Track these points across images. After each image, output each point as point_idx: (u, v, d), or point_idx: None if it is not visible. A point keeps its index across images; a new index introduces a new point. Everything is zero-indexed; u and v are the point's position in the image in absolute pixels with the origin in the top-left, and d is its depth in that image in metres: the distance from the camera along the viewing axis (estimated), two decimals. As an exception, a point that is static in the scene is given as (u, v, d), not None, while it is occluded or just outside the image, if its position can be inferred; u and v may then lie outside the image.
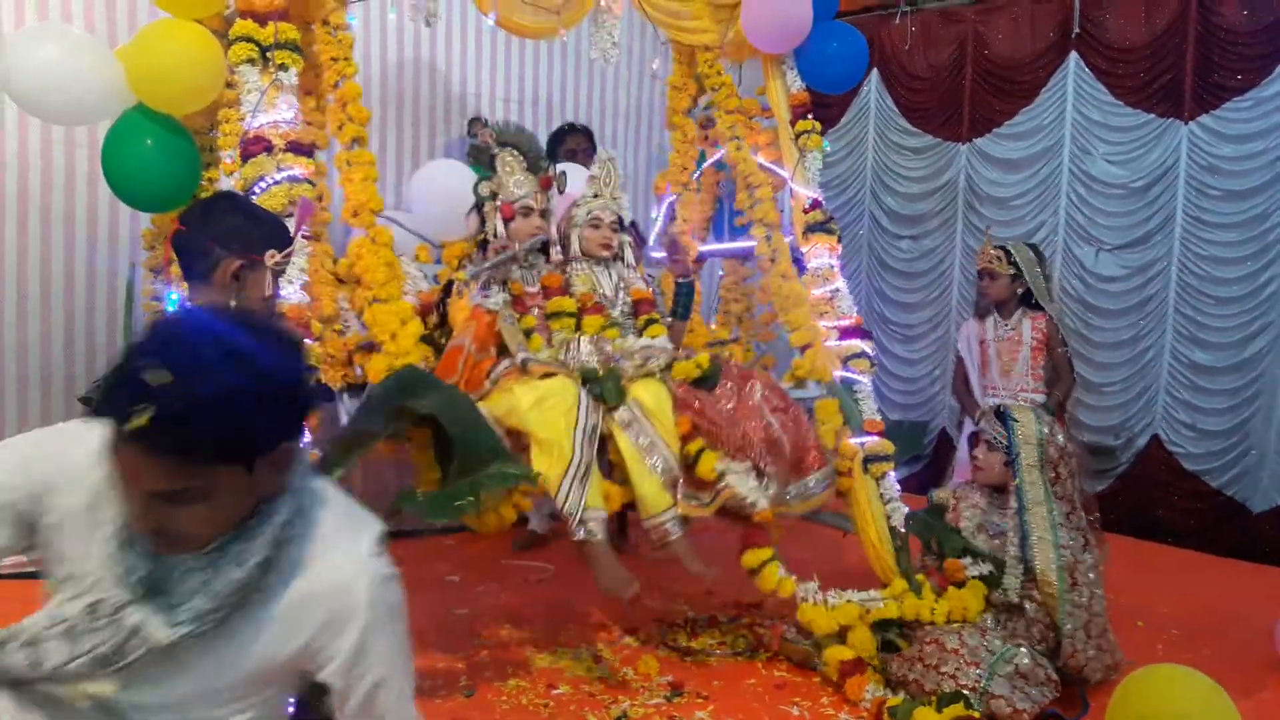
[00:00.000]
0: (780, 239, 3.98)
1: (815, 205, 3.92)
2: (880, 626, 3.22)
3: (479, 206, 3.63)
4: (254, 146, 2.81)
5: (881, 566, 3.53)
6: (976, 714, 2.82)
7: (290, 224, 2.57)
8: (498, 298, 3.43)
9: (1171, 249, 5.42)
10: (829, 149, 4.00)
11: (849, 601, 3.25)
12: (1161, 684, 2.49)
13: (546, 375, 3.16)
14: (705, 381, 3.32)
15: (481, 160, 3.71)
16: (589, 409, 3.10)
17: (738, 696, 3.15)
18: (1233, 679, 2.61)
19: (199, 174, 3.26)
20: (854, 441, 3.71)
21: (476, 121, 3.75)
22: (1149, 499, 5.43)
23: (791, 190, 3.97)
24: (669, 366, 3.35)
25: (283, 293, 2.66)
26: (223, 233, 2.09)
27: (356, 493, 4.38)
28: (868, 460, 3.68)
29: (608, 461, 3.19)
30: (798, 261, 4.01)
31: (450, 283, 3.47)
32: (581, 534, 3.04)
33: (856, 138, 6.76)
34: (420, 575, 4.35)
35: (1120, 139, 5.57)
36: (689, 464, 3.19)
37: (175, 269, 3.24)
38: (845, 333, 3.82)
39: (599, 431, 3.13)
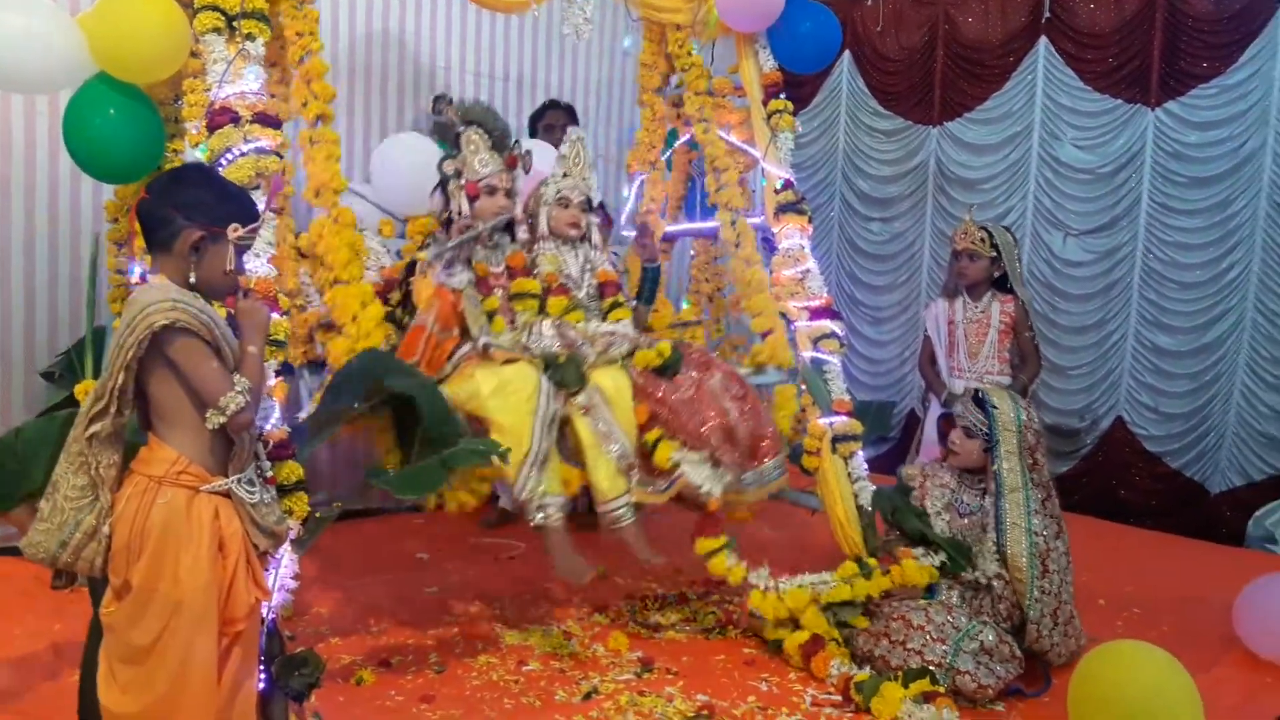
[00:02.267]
0: (745, 224, 4.01)
1: (787, 185, 3.92)
2: (835, 606, 3.23)
3: (443, 185, 3.60)
4: (220, 117, 2.75)
5: (848, 545, 3.56)
6: (941, 689, 2.85)
7: (258, 198, 2.54)
8: (461, 277, 3.42)
9: (1137, 234, 5.49)
10: (800, 130, 3.98)
11: (799, 586, 3.26)
12: (1122, 659, 2.53)
13: (508, 361, 3.17)
14: (666, 370, 3.35)
15: (446, 138, 3.66)
16: (549, 396, 3.13)
17: (707, 672, 3.17)
18: (1191, 655, 2.66)
19: (163, 144, 3.19)
20: (823, 421, 3.73)
21: (441, 99, 3.72)
22: (1112, 480, 5.52)
23: (763, 170, 3.96)
24: (631, 354, 3.37)
25: (249, 267, 2.62)
26: (185, 203, 2.05)
27: (325, 469, 4.42)
28: (836, 440, 3.70)
29: (565, 446, 3.21)
30: (768, 242, 4.01)
31: (414, 261, 3.45)
32: (539, 518, 3.07)
33: (828, 119, 6.77)
34: (390, 553, 4.35)
35: (1088, 124, 5.62)
36: (646, 452, 3.22)
37: (139, 242, 3.19)
38: (815, 313, 3.83)
39: (558, 418, 3.16)
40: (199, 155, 2.91)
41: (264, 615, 2.35)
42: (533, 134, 4.99)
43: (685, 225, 4.66)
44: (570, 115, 4.97)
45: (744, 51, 4.08)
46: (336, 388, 2.73)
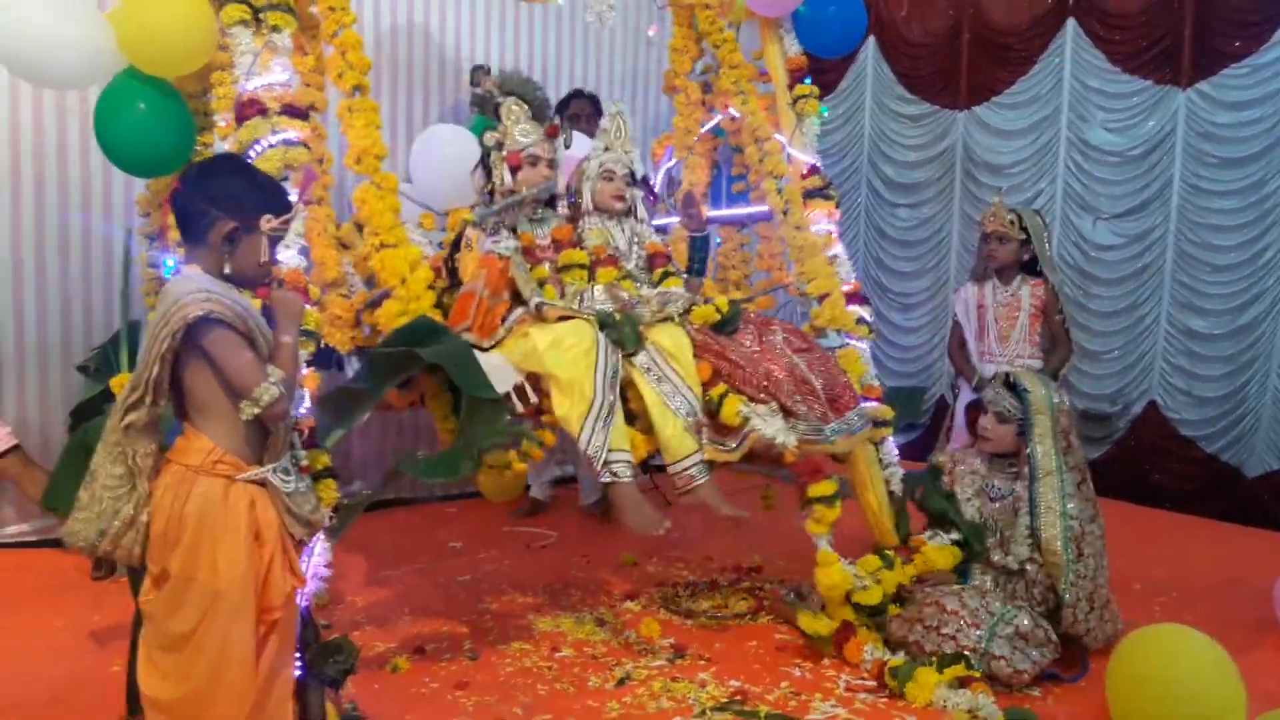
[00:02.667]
0: (792, 190, 3.91)
1: (813, 171, 3.89)
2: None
3: (484, 158, 3.54)
4: (248, 110, 2.77)
5: (881, 532, 3.54)
6: (977, 674, 2.83)
7: (290, 189, 2.55)
8: (508, 243, 3.35)
9: (1169, 217, 5.41)
10: (826, 114, 3.95)
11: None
12: (1162, 643, 2.51)
13: (563, 319, 3.12)
14: (724, 325, 3.26)
15: (486, 109, 3.61)
16: (608, 351, 3.05)
17: (740, 658, 3.17)
18: (1229, 639, 2.63)
19: (193, 138, 3.21)
20: (854, 408, 3.70)
21: (479, 70, 3.67)
22: (1146, 465, 5.46)
23: (789, 155, 3.93)
24: (688, 311, 3.28)
25: (280, 257, 2.64)
26: (218, 194, 2.06)
27: (354, 457, 4.42)
28: (867, 425, 3.67)
29: (629, 411, 3.13)
30: (796, 227, 3.98)
31: (458, 238, 3.42)
32: (607, 476, 2.97)
33: (854, 105, 6.73)
34: (423, 542, 4.38)
35: (1118, 106, 5.54)
36: (712, 410, 3.12)
37: (173, 235, 3.22)
38: (844, 299, 3.80)
39: (619, 374, 3.08)
40: (228, 148, 2.92)
41: (299, 603, 2.37)
42: None
43: (721, 211, 4.62)
44: (595, 105, 4.96)
45: (768, 36, 4.05)
46: (371, 364, 2.73)
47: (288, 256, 2.69)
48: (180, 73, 3.08)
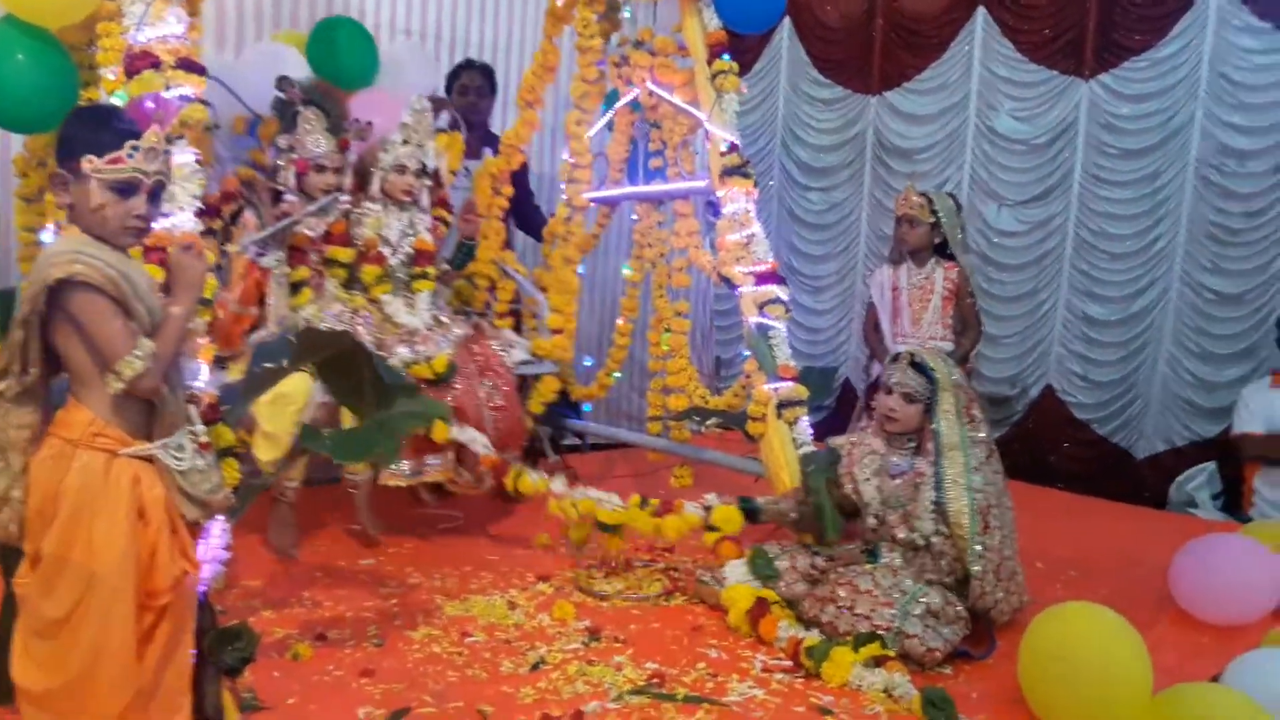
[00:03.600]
0: (578, 219, 4.49)
1: (732, 149, 3.85)
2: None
3: (276, 157, 3.84)
4: (140, 62, 2.59)
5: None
6: (892, 653, 2.84)
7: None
8: (271, 258, 3.65)
9: (1069, 205, 5.57)
10: (746, 91, 3.91)
11: (590, 498, 3.52)
12: (1073, 621, 2.55)
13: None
14: (439, 382, 3.72)
15: (285, 116, 3.83)
16: (314, 406, 3.41)
17: (655, 640, 3.12)
18: (1130, 616, 2.66)
19: (76, 92, 3.00)
20: (768, 387, 3.70)
21: (285, 79, 3.86)
22: (1042, 446, 5.62)
23: (707, 133, 3.89)
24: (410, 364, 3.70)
25: (170, 218, 2.47)
26: (58, 143, 1.92)
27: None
28: (781, 405, 3.68)
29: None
30: (713, 205, 3.95)
31: (248, 189, 3.71)
32: (278, 495, 3.63)
33: (768, 87, 6.73)
34: (324, 523, 4.21)
35: (1025, 95, 5.67)
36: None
37: (49, 198, 3.01)
38: (761, 278, 3.79)
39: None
40: (118, 103, 2.73)
41: (197, 588, 2.23)
42: (448, 93, 4.86)
43: (643, 187, 4.58)
44: (487, 76, 4.86)
45: (688, 9, 3.99)
46: (267, 350, 2.59)
47: (181, 220, 2.53)
48: (63, 22, 2.88)
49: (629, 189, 4.48)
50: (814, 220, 6.64)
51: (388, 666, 2.87)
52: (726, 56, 3.94)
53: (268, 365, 2.58)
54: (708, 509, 3.47)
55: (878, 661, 2.80)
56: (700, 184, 4.09)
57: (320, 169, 3.79)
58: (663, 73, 4.07)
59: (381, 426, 2.57)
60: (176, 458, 1.95)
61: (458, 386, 3.76)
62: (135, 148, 1.88)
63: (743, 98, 4.04)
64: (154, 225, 2.47)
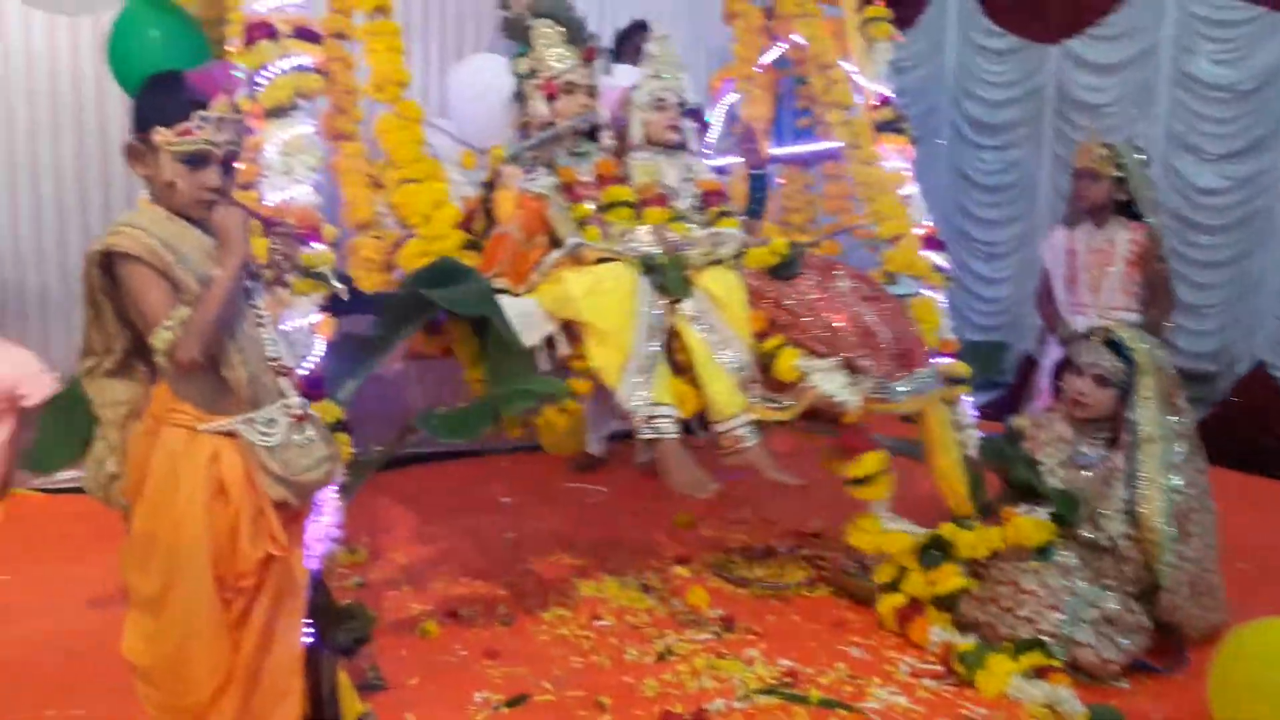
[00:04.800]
0: (862, 122, 3.58)
1: (885, 102, 3.54)
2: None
3: (517, 87, 3.28)
4: (256, 32, 2.54)
5: (954, 499, 3.24)
6: (1057, 662, 2.53)
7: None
8: (545, 180, 3.10)
9: (1280, 159, 4.93)
10: (902, 39, 3.58)
11: (904, 531, 2.95)
12: (1275, 639, 2.19)
13: (602, 261, 2.85)
14: (783, 270, 2.92)
15: (516, 35, 3.33)
16: (651, 297, 2.80)
17: (792, 634, 2.92)
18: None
19: (208, 66, 3.03)
20: (926, 363, 3.38)
21: None
22: (1250, 429, 5.02)
23: (858, 85, 3.59)
24: (741, 254, 2.98)
25: (289, 193, 2.43)
26: (132, 113, 1.87)
27: (369, 410, 4.13)
28: (941, 383, 3.35)
29: (676, 362, 2.86)
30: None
31: (492, 180, 3.16)
32: (649, 432, 2.72)
33: (936, 41, 6.30)
34: (474, 497, 4.22)
35: (1227, 36, 5.06)
36: (766, 364, 2.84)
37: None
38: (919, 243, 3.48)
39: (664, 322, 2.82)
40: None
41: (309, 567, 2.18)
42: (617, 58, 4.67)
43: (786, 148, 4.29)
44: None
45: (836, -47, 3.69)
46: (384, 310, 2.52)
47: (300, 192, 2.49)
48: (194, -1, 2.88)
49: (775, 150, 4.22)
50: (989, 181, 6.19)
51: (513, 648, 2.80)
52: (878, 1, 3.62)
53: (359, 335, 2.50)
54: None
55: (1040, 672, 2.50)
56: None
57: (570, 89, 3.19)
58: (810, 24, 3.78)
59: (491, 404, 2.46)
60: (264, 434, 1.88)
61: (810, 279, 2.93)
62: (205, 118, 1.82)
63: (900, 47, 3.71)
64: (269, 200, 2.48)
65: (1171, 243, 5.09)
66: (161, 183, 1.83)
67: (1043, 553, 2.89)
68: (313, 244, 2.46)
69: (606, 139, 3.33)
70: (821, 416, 2.89)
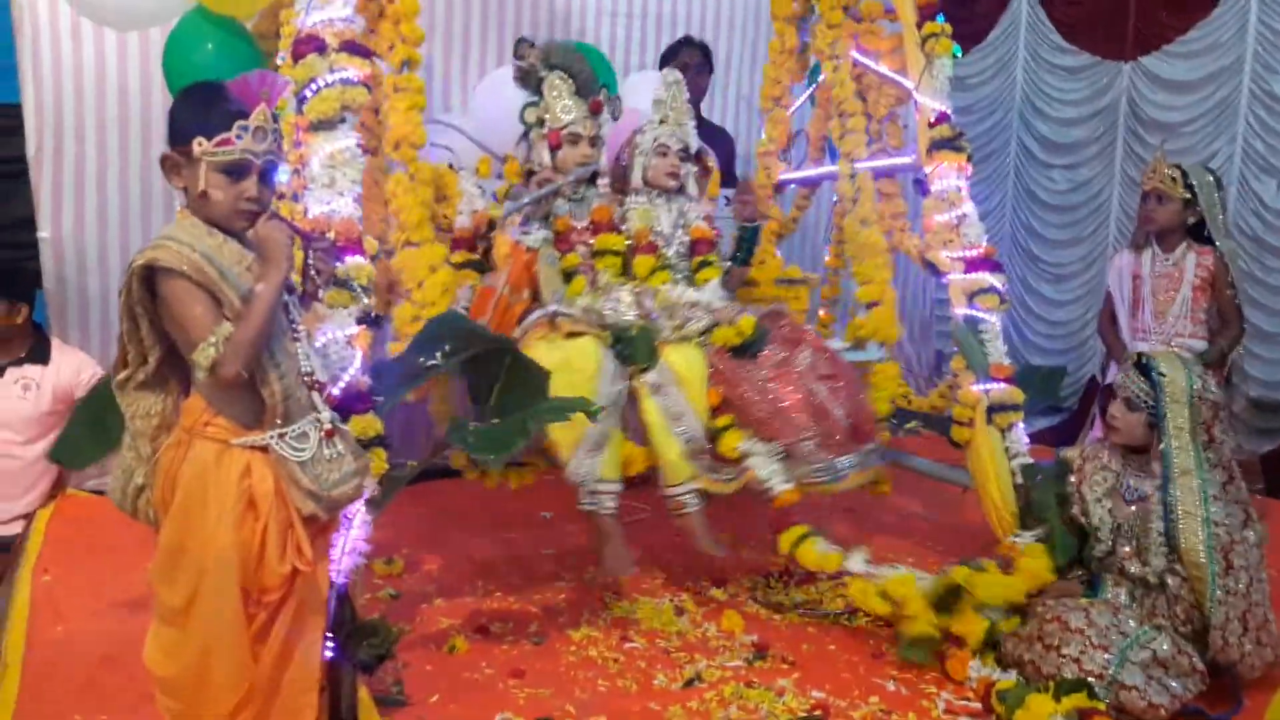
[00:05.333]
0: (866, 179, 3.71)
1: (942, 119, 3.44)
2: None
3: (525, 134, 3.46)
4: (305, 46, 2.56)
5: (1003, 528, 3.13)
6: (1102, 706, 2.41)
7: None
8: (537, 235, 3.30)
9: (1368, 180, 4.71)
10: (960, 55, 3.49)
11: (902, 574, 2.87)
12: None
13: (573, 335, 3.01)
14: (745, 349, 3.11)
15: (528, 84, 3.47)
16: (613, 377, 2.99)
17: (828, 664, 2.84)
18: None
19: (265, 81, 3.07)
20: (977, 388, 3.30)
21: (523, 43, 3.52)
22: (1327, 462, 4.80)
23: (916, 103, 3.51)
24: (709, 331, 3.14)
25: (330, 205, 2.44)
26: (169, 126, 1.88)
27: (401, 425, 4.16)
28: (992, 409, 3.26)
29: (635, 422, 3.06)
30: (920, 184, 3.57)
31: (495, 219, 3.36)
32: (589, 504, 2.98)
33: (1005, 57, 6.17)
34: (514, 510, 4.18)
35: (1313, 53, 4.85)
36: (714, 438, 3.06)
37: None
38: (972, 265, 3.37)
39: (622, 399, 3.02)
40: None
41: (332, 581, 2.18)
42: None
43: (798, 173, 4.28)
44: (705, 55, 4.63)
45: (897, -32, 3.61)
46: (421, 343, 2.52)
47: (340, 205, 2.50)
48: (249, 11, 2.94)
49: (828, 168, 4.15)
50: (1056, 201, 6.02)
51: (540, 668, 2.76)
52: (940, 18, 3.53)
53: (416, 360, 2.50)
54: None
55: (1083, 715, 2.38)
56: (906, 160, 3.70)
57: (574, 140, 3.38)
58: (868, 39, 3.72)
59: (525, 421, 2.44)
60: (296, 448, 1.88)
61: (773, 355, 3.11)
62: (244, 128, 1.82)
63: (968, 63, 3.67)
64: (312, 212, 2.49)
65: (1248, 268, 4.91)
66: (199, 194, 1.84)
67: (1092, 589, 2.78)
68: (353, 257, 2.47)
69: (603, 185, 3.49)
70: (755, 493, 3.07)
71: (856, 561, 2.98)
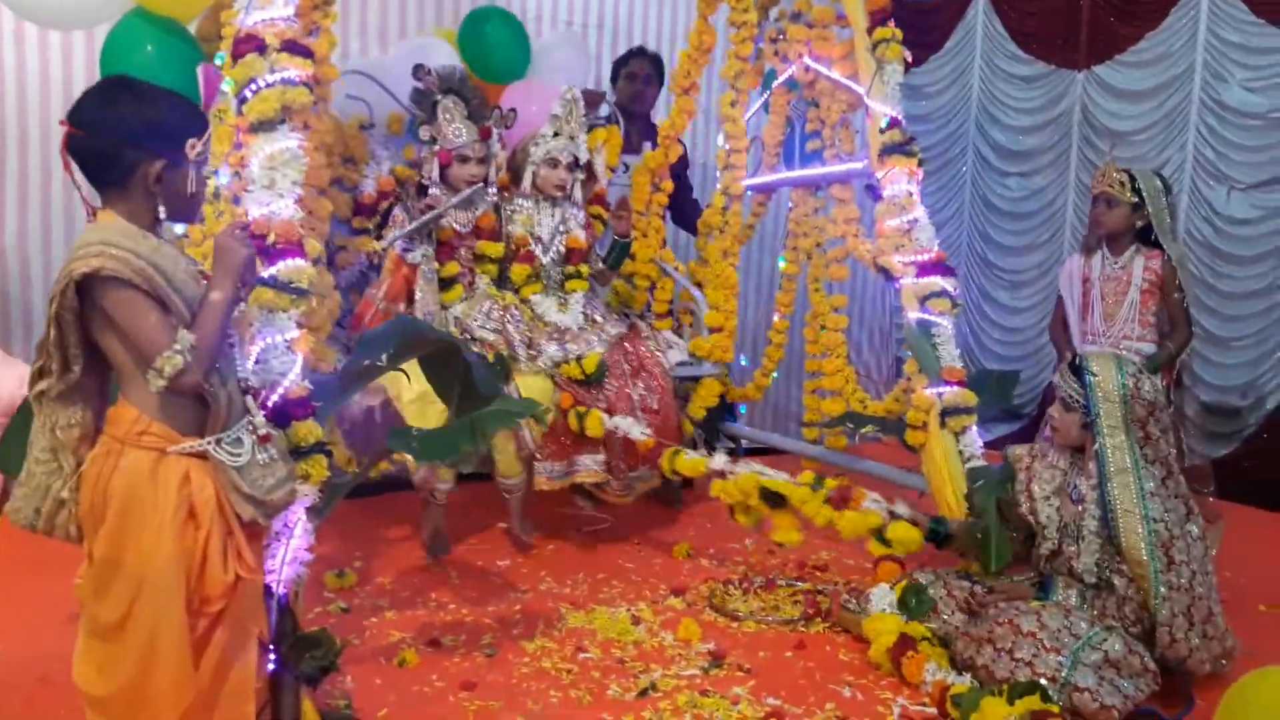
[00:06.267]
0: (735, 213, 4.31)
1: (894, 124, 3.46)
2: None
3: (419, 153, 3.80)
4: (245, 45, 2.51)
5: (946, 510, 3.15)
6: (1055, 708, 2.40)
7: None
8: (418, 252, 3.60)
9: (1315, 188, 4.77)
10: (909, 57, 3.49)
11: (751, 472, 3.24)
12: (1283, 687, 2.06)
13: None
14: (587, 382, 3.60)
15: (423, 106, 3.74)
16: None
17: (783, 671, 2.81)
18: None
19: (208, 84, 3.01)
20: (930, 392, 3.30)
21: (421, 68, 3.73)
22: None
23: (867, 108, 3.51)
24: (559, 366, 3.62)
25: (270, 208, 2.39)
26: (132, 130, 1.78)
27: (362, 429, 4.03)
28: (945, 413, 3.27)
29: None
30: (872, 189, 3.57)
31: (398, 197, 3.74)
32: (427, 496, 3.57)
33: (961, 66, 6.21)
34: (471, 521, 4.13)
35: (1260, 62, 4.92)
36: (567, 429, 3.57)
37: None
38: (924, 269, 3.39)
39: None
40: (228, 89, 2.69)
41: (273, 591, 2.12)
42: (614, 81, 4.69)
43: (799, 172, 4.27)
44: (656, 65, 4.64)
45: (848, -26, 3.62)
46: (366, 344, 2.47)
47: (280, 206, 2.44)
48: (189, 12, 2.89)
49: (785, 174, 4.15)
50: (1012, 209, 6.06)
51: (491, 680, 2.71)
52: (890, 22, 3.54)
53: (361, 363, 2.45)
54: (892, 515, 3.08)
55: (1037, 718, 2.37)
56: (858, 165, 3.72)
57: (463, 160, 3.71)
58: (820, 45, 3.73)
59: (470, 426, 2.39)
60: (232, 453, 1.84)
61: (610, 388, 3.64)
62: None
63: (925, 73, 3.70)
64: (252, 214, 2.44)
65: (1199, 273, 4.96)
66: (184, 194, 1.84)
67: (1044, 591, 2.78)
68: (293, 260, 2.42)
69: (490, 194, 3.86)
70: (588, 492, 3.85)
71: (719, 460, 3.35)
